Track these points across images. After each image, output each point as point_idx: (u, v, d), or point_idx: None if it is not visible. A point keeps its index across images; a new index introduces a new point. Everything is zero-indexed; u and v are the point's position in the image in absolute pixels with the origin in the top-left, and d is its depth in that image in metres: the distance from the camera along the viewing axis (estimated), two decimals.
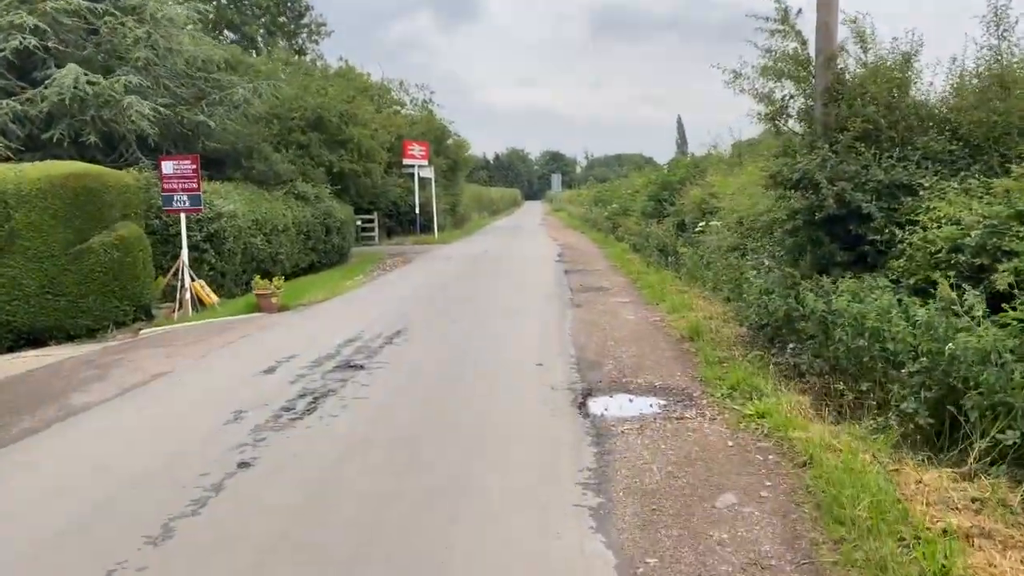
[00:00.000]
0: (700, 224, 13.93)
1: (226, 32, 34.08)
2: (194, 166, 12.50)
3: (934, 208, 6.47)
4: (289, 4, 38.33)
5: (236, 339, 10.17)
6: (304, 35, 39.39)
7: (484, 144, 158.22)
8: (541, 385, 7.19)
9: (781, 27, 8.54)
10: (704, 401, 6.58)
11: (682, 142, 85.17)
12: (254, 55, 27.71)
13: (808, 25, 8.66)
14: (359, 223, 27.09)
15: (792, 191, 7.69)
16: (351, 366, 8.08)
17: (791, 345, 7.08)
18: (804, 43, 8.33)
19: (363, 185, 25.19)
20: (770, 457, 5.11)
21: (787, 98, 8.49)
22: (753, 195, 12.04)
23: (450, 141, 39.17)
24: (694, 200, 16.28)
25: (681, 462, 5.09)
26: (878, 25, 8.12)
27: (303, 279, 17.53)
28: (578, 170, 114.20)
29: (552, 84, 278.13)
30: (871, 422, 5.35)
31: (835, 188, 7.24)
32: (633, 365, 8.03)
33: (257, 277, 13.13)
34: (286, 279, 16.55)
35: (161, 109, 14.37)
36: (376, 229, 29.38)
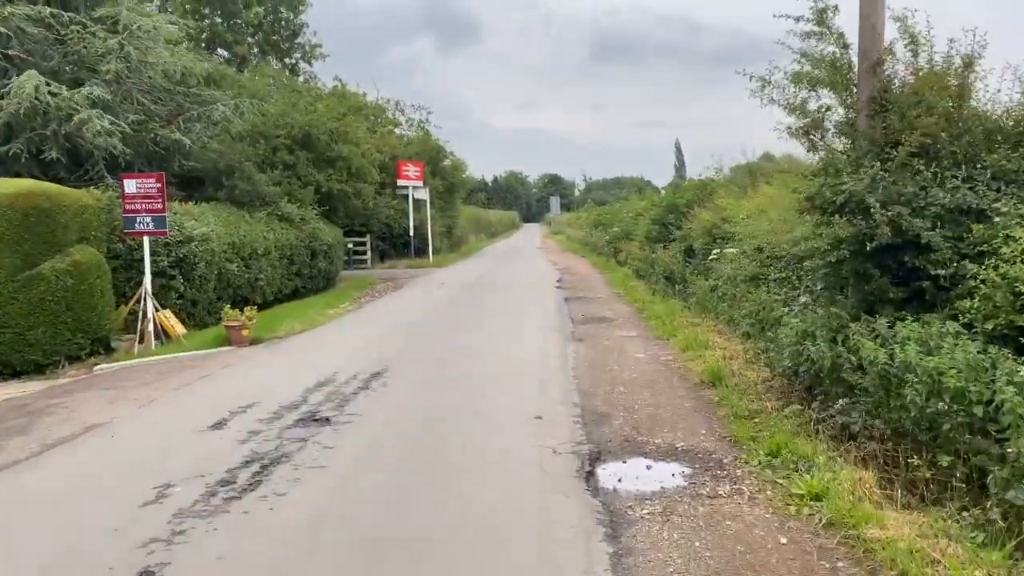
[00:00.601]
0: (714, 252, 12.78)
1: (219, 51, 33.27)
2: (159, 185, 11.38)
3: (1019, 238, 5.33)
4: (283, 23, 37.58)
5: (194, 380, 8.95)
6: (298, 55, 38.60)
7: (483, 167, 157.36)
8: (541, 447, 5.98)
9: (817, 28, 7.44)
10: (739, 471, 5.39)
11: (680, 166, 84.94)
12: (245, 74, 26.70)
13: (844, 24, 7.58)
14: (351, 246, 25.97)
15: (836, 216, 6.55)
16: (316, 419, 6.84)
17: (841, 401, 5.90)
18: (845, 47, 7.22)
19: (353, 206, 24.05)
20: (840, 565, 3.90)
21: (824, 109, 7.36)
22: (774, 220, 10.93)
23: (447, 162, 38.14)
24: (704, 224, 15.15)
25: (723, 569, 3.89)
26: (925, 23, 6.99)
27: (284, 307, 16.32)
28: (576, 193, 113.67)
29: (551, 108, 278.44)
30: (966, 515, 4.16)
31: (889, 213, 6.10)
32: (647, 418, 6.85)
33: (227, 307, 11.93)
34: (267, 307, 15.46)
35: (125, 126, 13.25)
36: (369, 252, 28.19)
